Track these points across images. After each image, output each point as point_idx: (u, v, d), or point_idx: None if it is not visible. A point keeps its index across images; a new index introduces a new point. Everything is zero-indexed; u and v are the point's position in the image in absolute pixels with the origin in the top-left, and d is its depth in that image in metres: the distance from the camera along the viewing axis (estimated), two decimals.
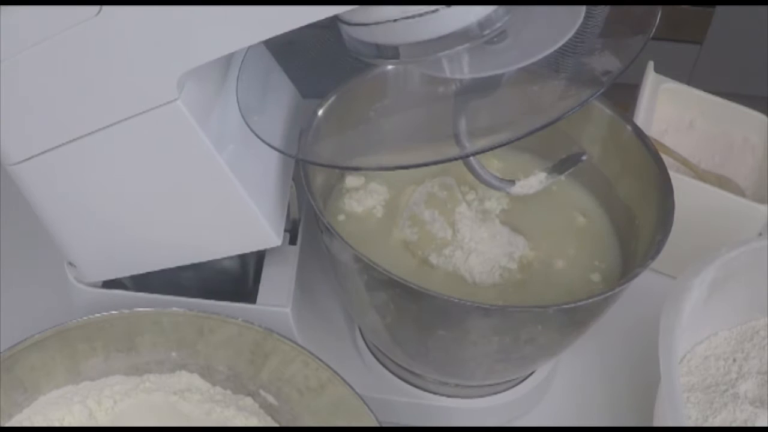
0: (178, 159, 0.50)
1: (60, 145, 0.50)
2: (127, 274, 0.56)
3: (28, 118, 0.49)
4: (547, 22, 0.49)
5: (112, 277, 0.57)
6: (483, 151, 0.51)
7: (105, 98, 0.48)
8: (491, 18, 0.46)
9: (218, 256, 0.55)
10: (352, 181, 0.59)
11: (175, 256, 0.55)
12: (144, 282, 0.57)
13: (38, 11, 0.45)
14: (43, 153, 0.50)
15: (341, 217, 0.58)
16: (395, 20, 0.46)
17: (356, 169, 0.59)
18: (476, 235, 0.56)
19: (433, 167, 0.59)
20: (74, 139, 0.49)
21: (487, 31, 0.46)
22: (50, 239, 0.56)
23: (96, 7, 0.44)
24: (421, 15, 0.45)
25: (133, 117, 0.48)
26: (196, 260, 0.55)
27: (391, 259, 0.54)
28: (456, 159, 0.51)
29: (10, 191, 0.74)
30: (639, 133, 0.58)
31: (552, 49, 0.47)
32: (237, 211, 0.52)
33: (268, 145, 0.52)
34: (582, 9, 0.48)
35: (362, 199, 0.58)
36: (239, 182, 0.51)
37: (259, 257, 0.60)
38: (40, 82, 0.47)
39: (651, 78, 0.77)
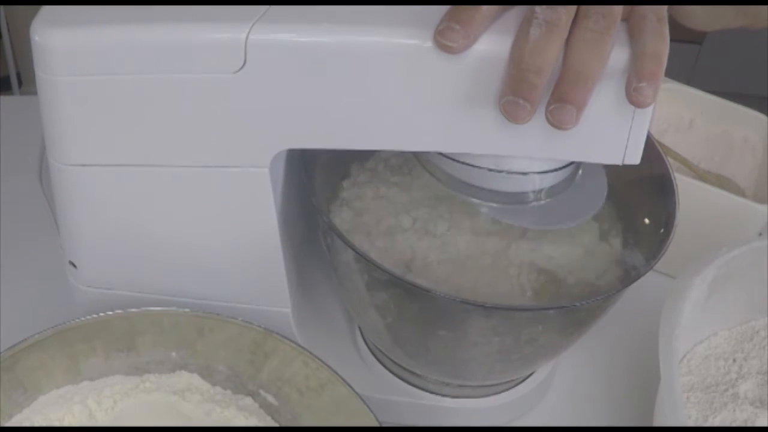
0: (237, 215, 0.52)
1: (129, 165, 0.50)
2: (127, 288, 0.57)
3: (111, 131, 0.48)
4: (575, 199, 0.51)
5: (111, 287, 0.57)
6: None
7: (198, 141, 0.48)
8: (543, 190, 0.49)
9: (229, 303, 0.56)
10: (359, 172, 0.59)
11: (184, 290, 0.56)
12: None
13: (184, 42, 0.45)
14: (107, 166, 0.50)
15: (342, 214, 0.58)
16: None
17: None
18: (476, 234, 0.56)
19: None
20: (146, 165, 0.49)
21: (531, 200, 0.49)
22: (52, 238, 0.56)
23: (239, 64, 0.44)
24: (499, 171, 0.48)
25: (215, 167, 0.49)
26: (201, 300, 0.56)
27: (389, 258, 0.53)
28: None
29: (11, 191, 0.75)
30: None
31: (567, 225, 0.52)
32: (267, 275, 0.55)
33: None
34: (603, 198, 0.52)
35: (364, 194, 0.58)
36: (283, 253, 0.53)
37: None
38: (144, 105, 0.47)
39: None
